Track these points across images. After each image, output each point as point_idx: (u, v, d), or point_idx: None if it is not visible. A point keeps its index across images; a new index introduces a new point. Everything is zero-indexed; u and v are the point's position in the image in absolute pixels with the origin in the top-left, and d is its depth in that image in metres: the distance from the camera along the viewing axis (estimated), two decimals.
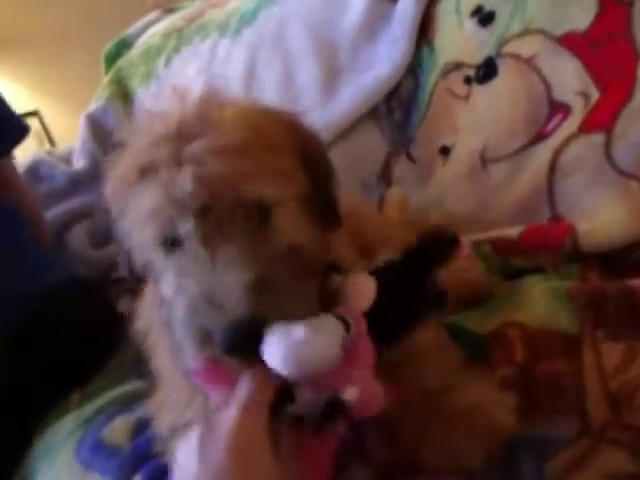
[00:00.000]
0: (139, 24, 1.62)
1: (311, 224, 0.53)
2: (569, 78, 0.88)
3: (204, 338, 0.46)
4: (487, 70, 0.96)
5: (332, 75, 1.14)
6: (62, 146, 1.64)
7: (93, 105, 1.51)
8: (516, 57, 0.93)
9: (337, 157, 1.09)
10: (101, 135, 1.45)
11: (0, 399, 0.86)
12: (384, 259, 0.58)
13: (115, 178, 0.54)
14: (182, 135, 0.49)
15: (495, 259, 0.84)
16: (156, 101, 1.37)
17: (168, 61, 1.41)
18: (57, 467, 0.76)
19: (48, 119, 2.94)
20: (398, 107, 1.08)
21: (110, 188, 0.55)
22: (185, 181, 0.47)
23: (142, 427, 0.73)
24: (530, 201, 0.89)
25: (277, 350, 0.45)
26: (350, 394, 0.47)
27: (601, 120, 0.83)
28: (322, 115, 1.12)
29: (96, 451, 0.74)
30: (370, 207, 0.98)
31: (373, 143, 1.10)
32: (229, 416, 0.45)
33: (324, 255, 0.55)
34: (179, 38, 1.42)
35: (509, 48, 0.94)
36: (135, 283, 0.60)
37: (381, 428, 0.53)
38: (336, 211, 0.57)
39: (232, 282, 0.45)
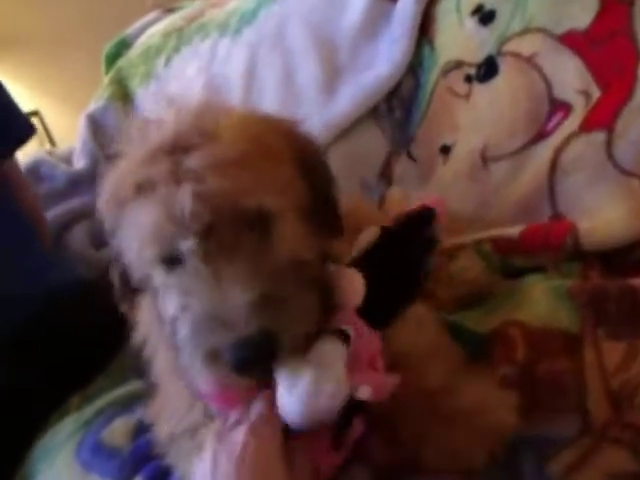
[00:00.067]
0: (139, 24, 1.62)
1: (312, 233, 0.52)
2: (570, 76, 0.88)
3: (213, 357, 0.45)
4: (488, 69, 0.96)
5: (332, 74, 1.14)
6: (62, 146, 1.64)
7: (93, 105, 1.51)
8: (517, 56, 0.93)
9: (337, 156, 1.10)
10: (101, 135, 1.45)
11: (1, 400, 0.86)
12: (362, 244, 0.58)
13: (109, 192, 0.53)
14: (178, 147, 0.48)
15: (496, 258, 0.84)
16: (154, 105, 1.38)
17: (168, 61, 1.41)
18: (57, 468, 0.76)
19: (48, 119, 2.94)
20: (399, 106, 1.08)
21: (104, 202, 0.54)
22: (185, 199, 0.46)
23: (142, 429, 0.72)
24: (531, 200, 0.89)
25: (288, 407, 0.46)
26: (364, 393, 0.48)
27: (602, 118, 0.83)
28: (322, 115, 1.12)
29: (96, 452, 0.74)
30: (371, 206, 0.98)
31: (374, 142, 1.10)
32: (241, 436, 0.46)
33: (324, 263, 0.55)
34: (179, 38, 1.42)
35: (510, 47, 0.94)
36: (128, 294, 0.58)
37: (381, 428, 0.53)
38: (337, 218, 0.57)
39: (238, 300, 0.44)
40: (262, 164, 0.49)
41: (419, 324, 0.59)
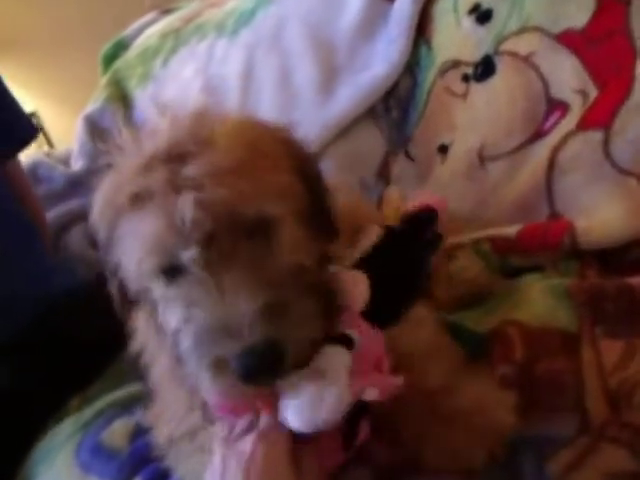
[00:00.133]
0: (136, 25, 1.62)
1: (310, 237, 0.52)
2: (567, 76, 0.88)
3: (218, 367, 0.45)
4: (485, 68, 0.96)
5: (330, 75, 1.14)
6: (60, 147, 1.63)
7: (90, 106, 1.50)
8: (514, 55, 0.93)
9: (335, 157, 1.10)
10: (99, 136, 1.44)
11: (1, 402, 0.86)
12: (366, 245, 0.58)
13: (104, 203, 0.53)
14: (175, 156, 0.48)
15: (494, 257, 0.84)
16: (150, 108, 1.37)
17: (165, 62, 1.41)
18: (57, 470, 0.76)
19: (46, 121, 2.94)
20: (396, 106, 1.08)
21: (98, 213, 0.54)
22: (186, 207, 0.45)
23: (141, 430, 0.72)
24: (529, 199, 0.89)
25: (291, 417, 0.47)
26: (370, 394, 0.48)
27: (599, 117, 0.83)
28: (320, 115, 1.12)
29: (95, 454, 0.74)
30: (369, 206, 0.98)
31: (371, 142, 1.10)
32: (251, 442, 0.47)
33: (324, 267, 0.55)
34: (176, 39, 1.42)
35: (507, 46, 0.94)
36: (126, 307, 0.58)
37: (382, 428, 0.53)
38: (332, 223, 0.56)
39: (242, 309, 0.44)
40: (260, 170, 0.49)
41: (419, 324, 0.59)
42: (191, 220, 0.45)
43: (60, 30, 2.78)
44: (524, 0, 0.92)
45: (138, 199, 0.48)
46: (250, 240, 0.47)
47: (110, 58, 1.57)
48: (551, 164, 0.86)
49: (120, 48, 1.57)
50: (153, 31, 1.52)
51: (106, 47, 1.60)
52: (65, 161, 1.50)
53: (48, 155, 1.59)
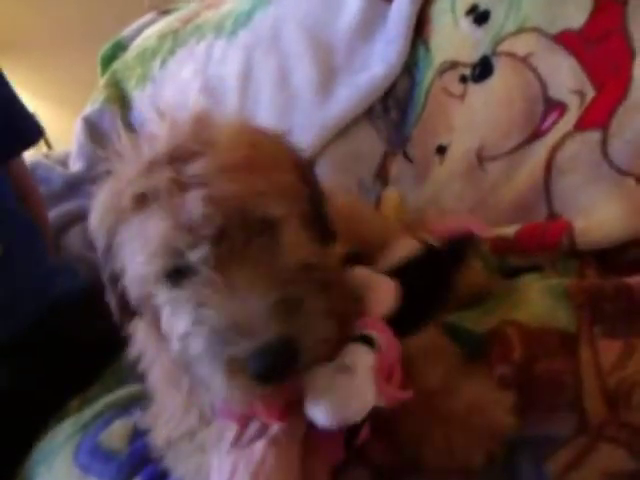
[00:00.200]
0: (134, 26, 1.62)
1: (312, 239, 0.52)
2: (565, 76, 0.88)
3: (234, 368, 0.44)
4: (483, 69, 0.96)
5: (328, 76, 1.14)
6: (59, 149, 1.63)
7: (89, 108, 1.51)
8: (511, 56, 0.93)
9: (334, 157, 1.10)
10: (98, 138, 1.45)
11: (1, 403, 0.86)
12: (401, 256, 0.59)
13: (103, 210, 0.52)
14: (177, 157, 0.47)
15: (493, 257, 0.84)
16: (149, 109, 1.37)
17: (164, 63, 1.41)
18: (56, 471, 0.76)
19: (45, 122, 2.92)
20: (394, 107, 1.08)
21: (98, 220, 0.53)
22: (195, 204, 0.45)
23: (140, 431, 0.72)
24: (527, 199, 0.89)
25: (318, 415, 0.46)
26: (379, 402, 0.48)
27: (597, 118, 0.83)
28: (318, 115, 1.12)
29: (94, 455, 0.74)
30: (367, 207, 0.98)
31: (369, 143, 1.10)
32: (260, 448, 0.47)
33: (336, 266, 0.55)
34: (174, 40, 1.42)
35: (504, 47, 0.94)
36: (127, 316, 0.57)
37: (381, 429, 0.53)
38: (329, 226, 0.56)
39: (255, 307, 0.43)
40: (264, 169, 0.49)
41: None
42: (201, 216, 0.45)
43: (58, 31, 2.78)
44: (521, 1, 0.93)
45: (141, 200, 0.47)
46: (259, 237, 0.47)
47: (109, 59, 1.57)
48: (549, 164, 0.86)
49: (118, 49, 1.57)
50: (151, 32, 1.52)
51: (104, 48, 1.60)
52: (63, 162, 1.50)
53: (46, 156, 1.59)
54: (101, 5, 2.63)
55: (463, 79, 0.99)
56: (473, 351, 0.62)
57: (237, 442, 0.50)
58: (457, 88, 1.00)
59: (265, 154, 0.51)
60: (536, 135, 0.89)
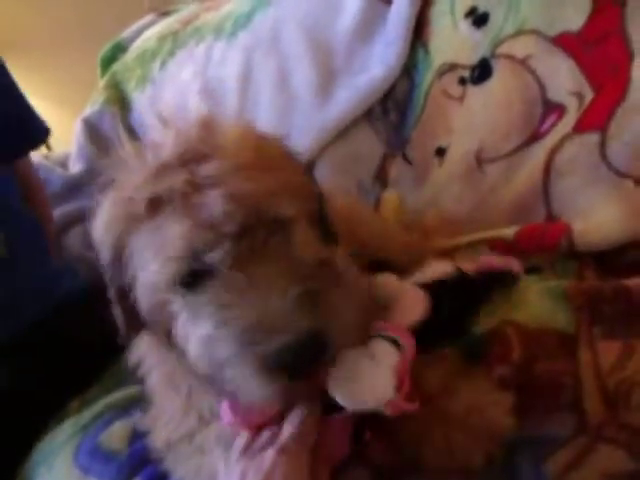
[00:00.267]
0: (134, 27, 1.62)
1: (319, 239, 0.53)
2: (563, 78, 0.88)
3: (267, 366, 0.43)
4: (482, 71, 0.96)
5: (327, 77, 1.14)
6: (58, 150, 1.63)
7: (89, 109, 1.51)
8: (510, 58, 0.93)
9: (333, 159, 1.11)
10: (97, 139, 1.45)
11: (1, 403, 0.86)
12: (434, 273, 0.59)
13: (110, 220, 0.51)
14: (188, 160, 0.47)
15: None
16: (148, 109, 1.37)
17: (163, 64, 1.41)
18: (56, 472, 0.76)
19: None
20: (393, 109, 1.08)
21: (102, 232, 0.52)
22: (216, 202, 0.45)
23: (140, 432, 0.72)
24: (526, 201, 0.89)
25: (341, 395, 0.47)
26: (387, 409, 0.49)
27: (596, 120, 0.83)
28: (318, 117, 1.12)
29: (94, 456, 0.74)
30: (366, 209, 0.98)
31: (369, 145, 1.10)
32: (269, 456, 0.47)
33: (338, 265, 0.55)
34: (174, 41, 1.42)
35: (503, 49, 0.94)
36: (135, 329, 0.56)
37: (381, 429, 0.54)
38: (331, 228, 0.57)
39: (281, 302, 0.43)
40: (273, 170, 0.49)
41: None
42: (223, 214, 0.44)
43: (58, 31, 2.77)
44: (520, 3, 0.93)
45: (156, 204, 0.47)
46: (272, 235, 0.47)
47: (108, 60, 1.57)
48: (548, 166, 0.87)
49: (118, 50, 1.57)
50: (151, 34, 1.52)
51: (104, 50, 1.60)
52: (63, 163, 1.51)
53: (46, 157, 1.59)
54: (101, 6, 2.63)
55: (462, 81, 0.99)
56: (472, 352, 0.62)
57: (247, 450, 0.49)
58: (456, 90, 1.00)
59: (271, 156, 0.51)
60: (535, 137, 0.90)
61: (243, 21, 1.29)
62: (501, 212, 0.91)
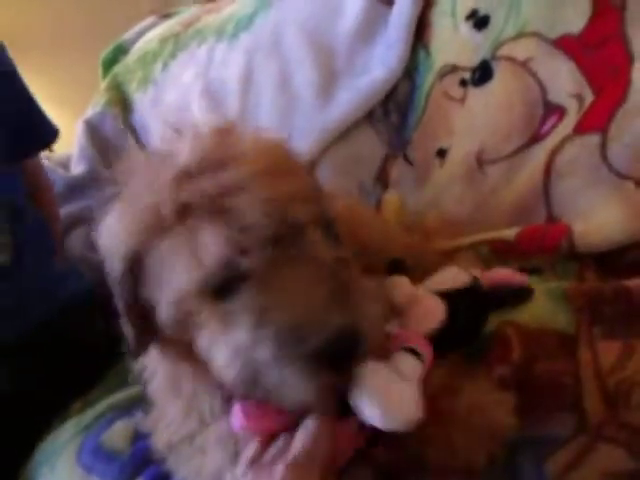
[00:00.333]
0: (135, 29, 1.62)
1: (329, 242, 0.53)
2: (564, 80, 0.88)
3: (309, 364, 0.43)
4: (482, 73, 0.97)
5: (329, 79, 1.15)
6: (60, 151, 1.63)
7: (90, 111, 1.51)
8: (511, 60, 0.94)
9: (334, 160, 1.11)
10: (99, 141, 1.45)
11: (4, 405, 0.86)
12: (454, 282, 0.60)
13: (122, 232, 0.49)
14: (208, 167, 0.47)
15: (494, 260, 0.85)
16: (148, 111, 1.37)
17: (165, 66, 1.41)
18: (58, 472, 0.76)
19: None
20: (395, 110, 1.09)
21: (113, 245, 0.51)
22: (250, 207, 0.45)
23: (142, 432, 0.72)
24: (526, 202, 0.89)
25: (375, 416, 0.46)
26: None
27: (596, 121, 0.84)
28: (319, 119, 1.13)
29: (97, 456, 0.74)
30: (367, 210, 0.98)
31: (370, 146, 1.11)
32: (279, 471, 0.46)
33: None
34: (176, 43, 1.43)
35: (504, 51, 0.95)
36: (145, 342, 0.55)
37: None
38: (334, 231, 0.57)
39: (315, 301, 0.44)
40: (288, 176, 0.50)
41: None
42: (259, 218, 0.45)
43: (59, 32, 2.77)
44: (521, 6, 0.93)
45: (184, 212, 0.46)
46: (296, 237, 0.48)
47: (110, 62, 1.57)
48: (548, 168, 0.87)
49: (120, 52, 1.58)
50: (153, 35, 1.53)
51: (106, 51, 1.60)
52: (65, 165, 1.51)
53: (48, 158, 1.59)
54: (102, 8, 2.63)
55: (463, 83, 1.00)
56: (473, 352, 0.63)
57: (255, 463, 0.49)
58: (457, 92, 1.00)
59: (285, 161, 0.52)
60: (535, 139, 0.90)
61: (245, 23, 1.29)
62: (502, 213, 0.92)
